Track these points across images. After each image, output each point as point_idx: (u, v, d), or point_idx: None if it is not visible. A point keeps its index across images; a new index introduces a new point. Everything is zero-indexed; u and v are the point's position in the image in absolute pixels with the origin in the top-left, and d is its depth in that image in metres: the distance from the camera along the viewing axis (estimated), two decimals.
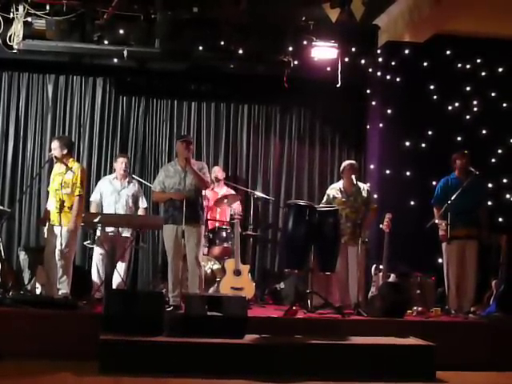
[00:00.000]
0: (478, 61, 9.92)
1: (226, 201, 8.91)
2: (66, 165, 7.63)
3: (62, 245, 7.41)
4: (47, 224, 7.72)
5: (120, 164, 8.74)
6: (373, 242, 8.79)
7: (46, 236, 7.81)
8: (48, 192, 7.95)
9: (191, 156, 7.78)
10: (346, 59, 9.65)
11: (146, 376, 5.69)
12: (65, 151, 7.64)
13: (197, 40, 9.31)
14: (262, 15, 9.17)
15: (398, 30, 9.50)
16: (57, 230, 7.49)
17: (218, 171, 9.47)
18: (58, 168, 7.71)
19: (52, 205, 7.63)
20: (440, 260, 8.57)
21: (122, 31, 9.08)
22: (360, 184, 8.55)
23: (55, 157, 7.65)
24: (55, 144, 7.69)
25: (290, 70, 9.51)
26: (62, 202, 7.50)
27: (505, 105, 9.97)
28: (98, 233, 8.41)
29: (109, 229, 8.35)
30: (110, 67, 9.65)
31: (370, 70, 9.90)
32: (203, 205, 7.94)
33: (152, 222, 8.43)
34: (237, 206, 9.22)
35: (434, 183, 8.91)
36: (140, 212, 8.74)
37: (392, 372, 6.17)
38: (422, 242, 8.74)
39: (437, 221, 8.20)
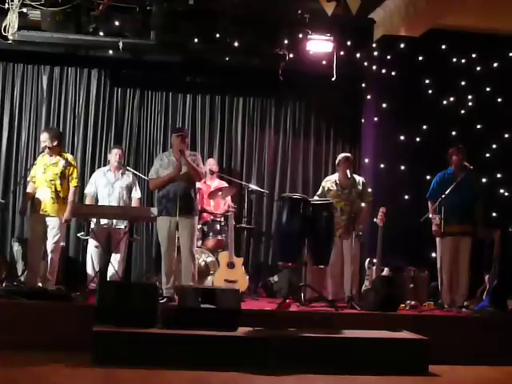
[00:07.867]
0: (474, 55, 9.93)
1: (220, 193, 8.90)
2: (61, 155, 7.67)
3: (56, 236, 7.46)
4: (33, 214, 7.71)
5: (114, 155, 8.71)
6: (367, 235, 8.79)
7: (31, 226, 7.80)
8: (29, 182, 7.83)
9: (186, 149, 7.77)
10: (342, 53, 9.61)
11: (138, 368, 5.68)
12: (55, 142, 7.69)
13: (192, 32, 9.26)
14: (257, 8, 9.15)
15: (394, 24, 9.49)
16: (50, 220, 7.50)
17: (212, 164, 9.45)
18: (49, 159, 7.69)
19: (47, 195, 7.61)
20: (434, 254, 8.58)
21: (117, 23, 9.04)
22: (356, 177, 8.53)
23: (48, 147, 7.65)
24: (45, 136, 7.73)
25: (286, 63, 9.47)
26: (57, 193, 7.56)
27: (499, 100, 9.98)
28: (92, 225, 8.40)
29: (103, 221, 8.38)
30: (105, 59, 9.63)
31: (366, 63, 9.88)
32: (197, 196, 7.91)
33: (144, 214, 8.28)
34: (228, 199, 9.23)
35: (428, 177, 8.93)
36: (133, 203, 8.69)
37: (385, 365, 6.18)
38: (416, 236, 8.76)
39: (431, 215, 8.20)
